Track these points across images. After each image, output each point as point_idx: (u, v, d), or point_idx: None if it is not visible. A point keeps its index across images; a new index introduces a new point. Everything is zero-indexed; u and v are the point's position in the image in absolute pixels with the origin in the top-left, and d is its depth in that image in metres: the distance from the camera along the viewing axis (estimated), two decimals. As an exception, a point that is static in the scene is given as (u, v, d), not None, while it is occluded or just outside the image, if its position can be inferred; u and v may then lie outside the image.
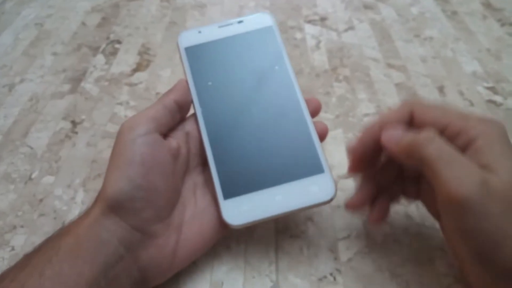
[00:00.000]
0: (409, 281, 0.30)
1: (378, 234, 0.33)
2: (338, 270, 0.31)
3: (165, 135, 0.30)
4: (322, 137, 0.30)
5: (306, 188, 0.28)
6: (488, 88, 0.46)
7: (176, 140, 0.30)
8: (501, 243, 0.22)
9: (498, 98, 0.45)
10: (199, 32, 0.33)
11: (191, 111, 0.32)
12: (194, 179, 0.31)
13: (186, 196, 0.30)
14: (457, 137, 0.25)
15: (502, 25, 0.56)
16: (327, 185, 0.28)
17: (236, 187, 0.29)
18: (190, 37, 0.33)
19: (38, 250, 0.25)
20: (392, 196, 0.30)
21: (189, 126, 0.31)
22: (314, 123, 0.30)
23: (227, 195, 0.29)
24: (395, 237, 0.32)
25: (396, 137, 0.26)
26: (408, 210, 0.34)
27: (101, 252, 0.25)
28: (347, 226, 0.33)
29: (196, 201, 0.30)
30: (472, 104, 0.44)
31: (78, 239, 0.25)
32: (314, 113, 0.31)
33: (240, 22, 0.33)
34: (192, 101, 0.31)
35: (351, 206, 0.30)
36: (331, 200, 0.28)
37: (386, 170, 0.30)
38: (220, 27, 0.33)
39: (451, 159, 0.23)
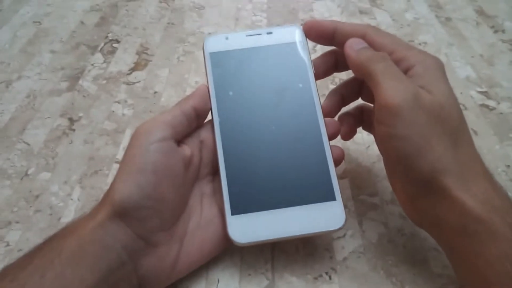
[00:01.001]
0: (403, 281, 0.30)
1: (373, 233, 0.33)
2: (334, 269, 0.31)
3: (180, 141, 0.29)
4: (337, 162, 0.30)
5: (317, 214, 0.28)
6: (481, 92, 0.47)
7: (190, 147, 0.29)
8: (422, 149, 0.25)
9: (491, 103, 0.45)
10: (226, 38, 0.32)
11: (208, 117, 0.31)
12: (202, 188, 0.31)
13: (192, 205, 0.30)
14: (399, 63, 0.28)
15: (495, 31, 0.57)
16: (337, 213, 0.28)
17: (245, 204, 0.28)
18: (216, 43, 0.32)
19: (40, 250, 0.25)
20: (356, 119, 0.34)
21: (204, 133, 0.31)
22: (331, 147, 0.30)
23: (235, 211, 0.28)
24: (390, 237, 0.33)
25: (359, 46, 0.29)
26: (402, 210, 0.35)
27: (104, 257, 0.24)
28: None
29: (202, 211, 0.30)
30: (465, 108, 0.45)
31: (82, 242, 0.24)
32: (332, 136, 0.31)
33: (269, 33, 0.32)
34: (211, 109, 0.31)
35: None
36: (340, 229, 0.28)
37: (349, 85, 0.34)
38: (248, 36, 0.32)
39: (393, 75, 0.26)
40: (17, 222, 0.34)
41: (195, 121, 0.30)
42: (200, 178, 0.31)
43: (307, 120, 0.30)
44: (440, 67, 0.28)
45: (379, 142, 0.29)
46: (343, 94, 0.34)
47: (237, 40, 0.32)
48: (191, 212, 0.30)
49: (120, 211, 0.25)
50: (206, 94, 0.30)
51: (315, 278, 0.30)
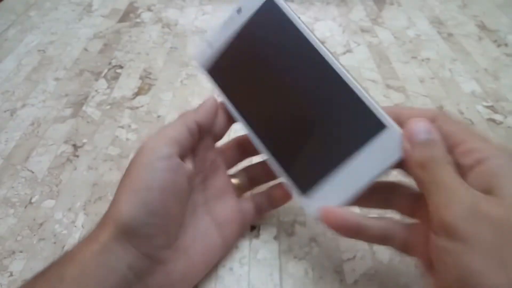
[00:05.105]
0: (417, 302, 0.29)
1: (384, 254, 0.32)
2: (344, 292, 0.30)
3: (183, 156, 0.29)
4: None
5: (377, 149, 0.25)
6: (487, 107, 0.46)
7: (190, 161, 0.29)
8: (486, 271, 0.20)
9: (498, 117, 0.45)
10: (209, 45, 0.31)
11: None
12: (194, 198, 0.30)
13: (187, 217, 0.30)
14: (469, 154, 0.23)
15: (498, 45, 0.57)
16: (395, 139, 0.24)
17: (308, 180, 0.27)
18: (204, 55, 0.31)
19: (42, 276, 0.24)
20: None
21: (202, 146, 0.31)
22: None
23: (304, 191, 0.27)
24: (401, 257, 0.32)
25: (421, 137, 0.23)
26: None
27: (109, 280, 0.24)
28: (352, 246, 0.33)
29: (197, 222, 0.30)
30: (472, 123, 0.44)
31: (84, 267, 0.24)
32: None
33: (238, 11, 0.30)
34: (233, 115, 0.30)
35: None
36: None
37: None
38: (224, 26, 0.30)
39: (448, 184, 0.22)
40: (21, 252, 0.33)
41: (197, 135, 0.29)
42: (192, 188, 0.31)
43: (322, 71, 0.27)
44: None
45: (434, 252, 0.23)
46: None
47: (218, 37, 0.30)
48: (187, 224, 0.29)
49: (126, 231, 0.24)
50: (212, 109, 0.30)
51: (326, 302, 0.29)
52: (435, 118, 0.25)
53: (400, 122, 0.25)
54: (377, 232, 0.25)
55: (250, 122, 0.30)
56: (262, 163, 0.32)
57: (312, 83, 0.27)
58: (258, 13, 0.29)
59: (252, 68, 0.30)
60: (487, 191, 0.21)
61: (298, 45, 0.28)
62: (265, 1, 0.28)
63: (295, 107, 0.28)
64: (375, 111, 0.25)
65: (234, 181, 0.33)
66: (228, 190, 0.32)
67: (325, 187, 0.26)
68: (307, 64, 0.27)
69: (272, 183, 0.33)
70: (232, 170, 0.34)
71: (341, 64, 0.26)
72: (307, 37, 0.27)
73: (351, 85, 0.25)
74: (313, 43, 0.27)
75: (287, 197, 0.32)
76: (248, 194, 0.34)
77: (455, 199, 0.22)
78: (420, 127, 0.24)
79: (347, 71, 0.26)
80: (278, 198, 0.33)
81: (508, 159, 0.22)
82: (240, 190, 0.33)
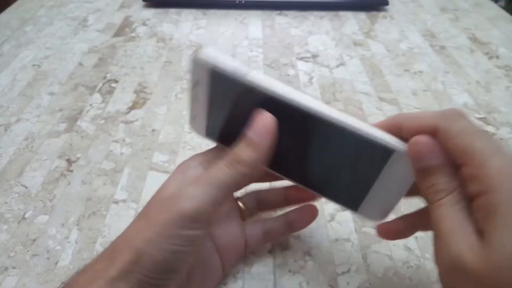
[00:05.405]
0: (412, 316, 0.29)
1: (378, 267, 0.32)
2: (339, 306, 0.30)
3: None
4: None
5: (395, 171, 0.25)
6: (480, 118, 0.47)
7: None
8: None
9: (490, 129, 0.45)
10: (194, 117, 0.28)
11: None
12: None
13: None
14: (470, 182, 0.21)
15: (490, 58, 0.57)
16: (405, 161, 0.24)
17: (354, 202, 0.28)
18: (198, 126, 0.28)
19: None
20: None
21: None
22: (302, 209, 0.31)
23: (356, 208, 0.28)
24: (395, 269, 0.32)
25: (424, 163, 0.22)
26: (407, 242, 0.34)
27: None
28: (347, 259, 0.33)
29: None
30: (465, 135, 0.44)
31: None
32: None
33: (195, 85, 0.26)
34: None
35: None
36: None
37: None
38: (194, 100, 0.27)
39: (438, 226, 0.21)
40: (14, 268, 0.33)
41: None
42: None
43: (316, 125, 0.25)
44: None
45: None
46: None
47: (197, 110, 0.27)
48: None
49: (143, 273, 0.23)
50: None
51: (321, 317, 0.29)
52: (437, 128, 0.22)
53: (403, 137, 0.24)
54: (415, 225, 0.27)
55: (282, 171, 0.28)
56: (274, 189, 0.32)
57: (309, 137, 0.26)
58: (215, 86, 0.26)
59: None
60: (481, 232, 0.20)
61: (274, 107, 0.25)
62: (212, 74, 0.25)
63: (312, 159, 0.27)
64: (377, 141, 0.24)
65: (241, 204, 0.32)
66: (233, 214, 0.31)
67: (367, 205, 0.27)
68: (298, 122, 0.25)
69: (288, 208, 0.33)
70: (239, 192, 0.32)
71: (328, 109, 0.25)
72: (283, 99, 0.25)
73: (347, 126, 0.24)
74: (289, 102, 0.25)
75: (309, 220, 0.32)
76: (257, 217, 0.33)
77: (443, 247, 0.21)
78: (420, 152, 0.22)
79: (338, 113, 0.25)
80: (299, 222, 0.32)
81: (510, 192, 0.19)
82: (245, 214, 0.32)
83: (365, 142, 0.24)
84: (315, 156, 0.27)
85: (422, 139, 0.22)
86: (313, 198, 0.31)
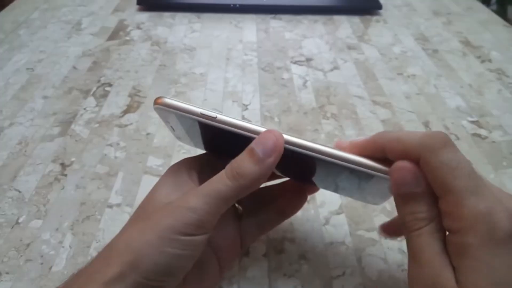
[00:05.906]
0: (406, 319, 0.29)
1: (373, 270, 0.32)
2: (334, 309, 0.30)
3: None
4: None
5: (377, 188, 0.26)
6: (472, 122, 0.47)
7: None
8: None
9: (483, 132, 0.46)
10: (189, 142, 0.30)
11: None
12: None
13: None
14: (446, 217, 0.21)
15: (482, 61, 0.58)
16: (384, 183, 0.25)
17: (350, 193, 0.29)
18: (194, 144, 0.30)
19: None
20: None
21: None
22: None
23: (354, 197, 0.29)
24: (390, 273, 0.32)
25: (406, 189, 0.23)
26: (402, 245, 0.34)
27: None
28: (342, 263, 0.33)
29: None
30: (458, 138, 0.45)
31: None
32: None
33: (174, 129, 0.29)
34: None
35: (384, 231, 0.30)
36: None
37: None
38: (179, 137, 0.30)
39: (414, 254, 0.22)
40: (7, 273, 0.33)
41: None
42: None
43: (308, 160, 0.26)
44: (503, 236, 0.19)
45: None
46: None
47: (187, 139, 0.30)
48: None
49: (142, 275, 0.23)
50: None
51: (316, 320, 0.29)
52: (421, 155, 0.22)
53: (386, 160, 0.24)
54: None
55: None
56: (272, 185, 0.32)
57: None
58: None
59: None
60: (454, 267, 0.21)
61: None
62: (175, 115, 0.27)
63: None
64: (359, 169, 0.24)
65: (237, 205, 0.32)
66: (228, 213, 0.30)
67: (365, 197, 0.28)
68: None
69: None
70: None
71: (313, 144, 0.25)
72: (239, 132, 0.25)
73: (331, 160, 0.25)
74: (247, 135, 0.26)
75: (301, 203, 0.32)
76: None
77: (421, 275, 0.21)
78: (404, 178, 0.22)
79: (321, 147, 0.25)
80: (292, 207, 0.32)
81: (485, 232, 0.19)
82: (242, 214, 0.32)
83: (347, 168, 0.25)
84: (307, 173, 0.28)
85: (406, 165, 0.22)
86: (313, 189, 0.32)
